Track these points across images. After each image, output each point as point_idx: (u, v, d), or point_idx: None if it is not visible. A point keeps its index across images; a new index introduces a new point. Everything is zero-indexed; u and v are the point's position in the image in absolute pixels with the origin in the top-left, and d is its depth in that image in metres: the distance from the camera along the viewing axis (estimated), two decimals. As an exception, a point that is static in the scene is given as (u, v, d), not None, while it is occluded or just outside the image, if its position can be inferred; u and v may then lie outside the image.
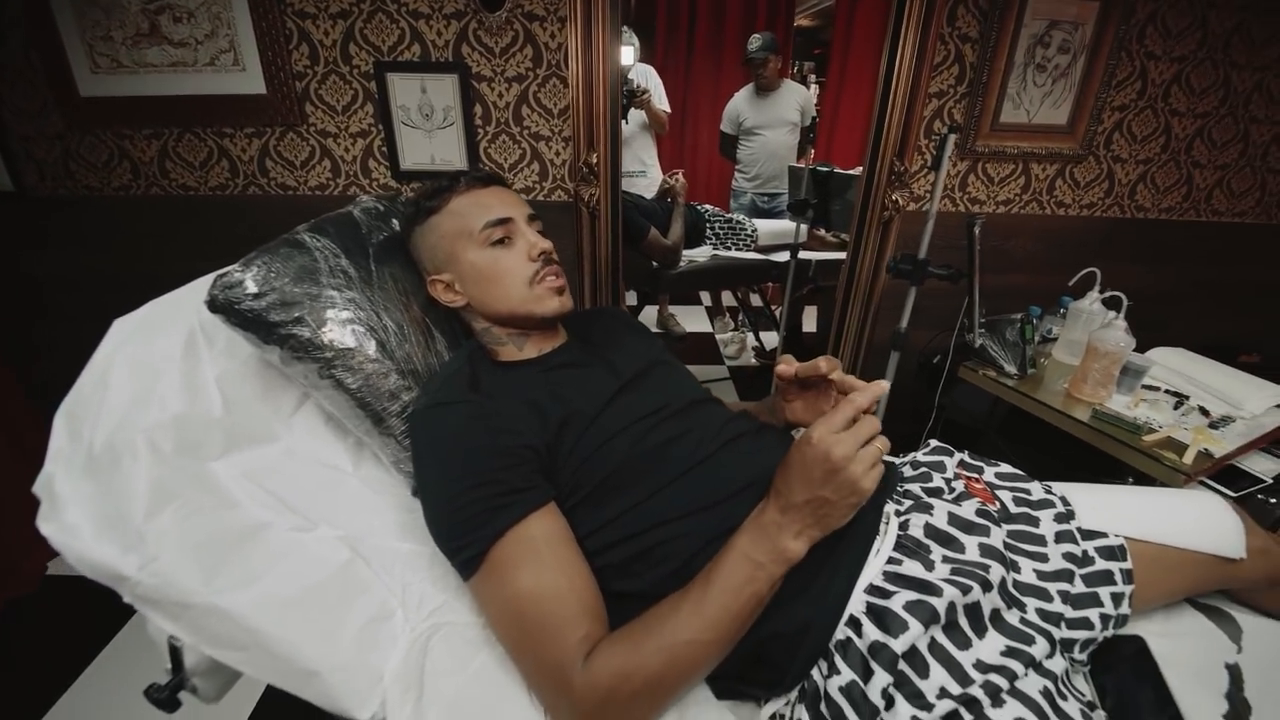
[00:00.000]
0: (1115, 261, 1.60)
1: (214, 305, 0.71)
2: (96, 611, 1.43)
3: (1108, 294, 1.30)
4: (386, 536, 0.73)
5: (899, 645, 0.57)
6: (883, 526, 0.71)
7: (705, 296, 3.84)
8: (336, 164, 1.56)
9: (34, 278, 1.62)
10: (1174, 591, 0.78)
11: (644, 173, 2.92)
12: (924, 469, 0.81)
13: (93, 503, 0.62)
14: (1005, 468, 0.86)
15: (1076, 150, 1.56)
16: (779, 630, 0.63)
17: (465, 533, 0.63)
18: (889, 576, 0.64)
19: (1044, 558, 0.72)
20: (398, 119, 1.50)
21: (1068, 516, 0.77)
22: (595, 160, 1.50)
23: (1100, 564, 0.72)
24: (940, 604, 0.59)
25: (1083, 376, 1.28)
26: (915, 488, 0.78)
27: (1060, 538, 0.74)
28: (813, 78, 4.38)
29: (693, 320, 3.67)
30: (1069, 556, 0.72)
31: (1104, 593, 0.70)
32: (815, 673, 0.62)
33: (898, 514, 0.73)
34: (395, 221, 0.92)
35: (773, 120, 3.11)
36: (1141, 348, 1.38)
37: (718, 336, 3.43)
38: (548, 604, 0.61)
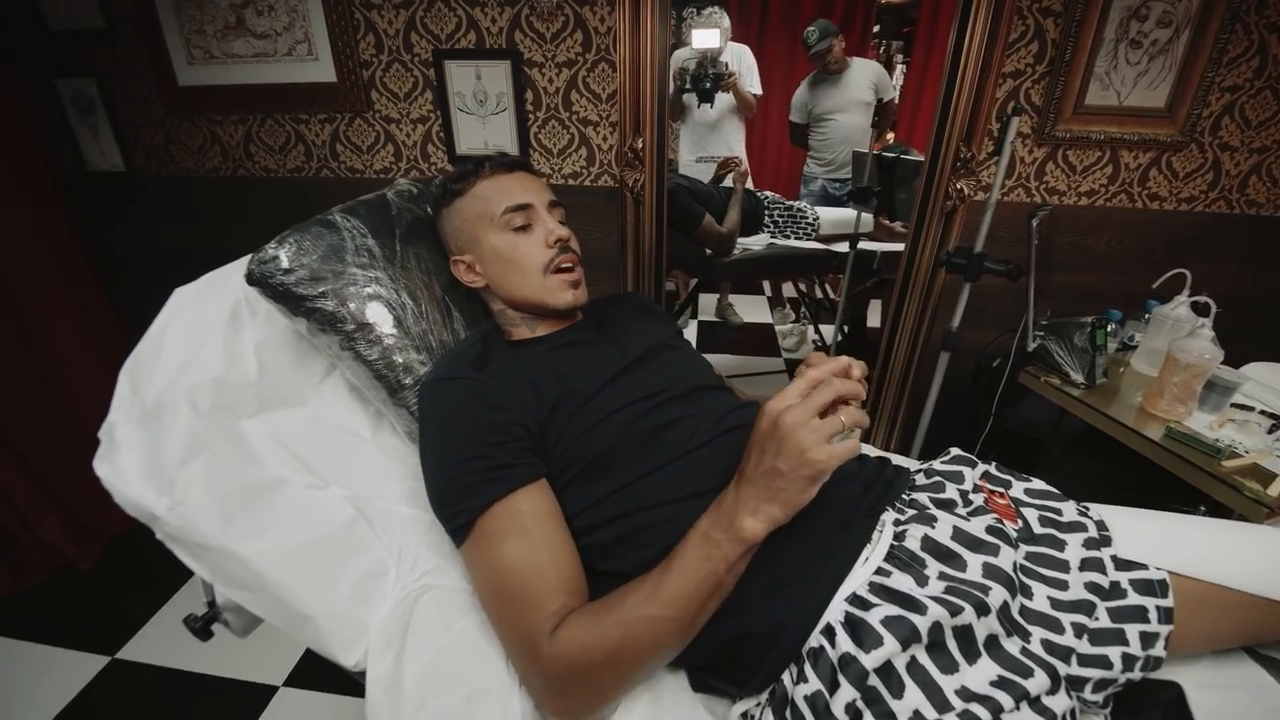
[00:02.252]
0: (1217, 264, 1.43)
1: (250, 279, 0.78)
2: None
3: (1200, 298, 1.15)
4: (392, 500, 0.77)
5: (869, 660, 0.55)
6: (876, 535, 0.68)
7: (767, 286, 3.75)
8: (399, 148, 1.64)
9: (135, 250, 1.83)
10: (1225, 637, 0.70)
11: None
12: (938, 478, 0.77)
13: (140, 450, 0.70)
14: (1037, 484, 0.80)
15: (1176, 137, 1.38)
16: (752, 629, 0.62)
17: (456, 502, 0.67)
18: (874, 588, 0.62)
19: (1063, 585, 0.66)
20: (454, 105, 1.56)
21: (1100, 543, 0.70)
22: (641, 145, 1.50)
23: (1133, 598, 0.65)
24: (922, 622, 0.56)
25: (1159, 390, 1.15)
26: (923, 497, 0.74)
27: (1086, 565, 0.67)
28: (900, 58, 4.13)
29: (753, 310, 3.60)
30: (1092, 587, 0.65)
31: (1132, 630, 0.64)
32: (786, 676, 0.61)
33: (896, 524, 0.69)
34: (428, 205, 0.96)
35: (844, 103, 2.97)
36: (1238, 361, 1.22)
37: (777, 328, 3.35)
38: (527, 576, 0.63)
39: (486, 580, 0.66)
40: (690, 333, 3.29)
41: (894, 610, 0.58)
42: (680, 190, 2.14)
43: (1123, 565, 0.68)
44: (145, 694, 1.32)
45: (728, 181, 2.49)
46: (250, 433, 0.76)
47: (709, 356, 3.00)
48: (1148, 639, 0.63)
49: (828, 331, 3.07)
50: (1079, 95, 1.35)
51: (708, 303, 3.55)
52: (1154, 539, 0.72)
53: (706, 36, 2.50)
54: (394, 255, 0.86)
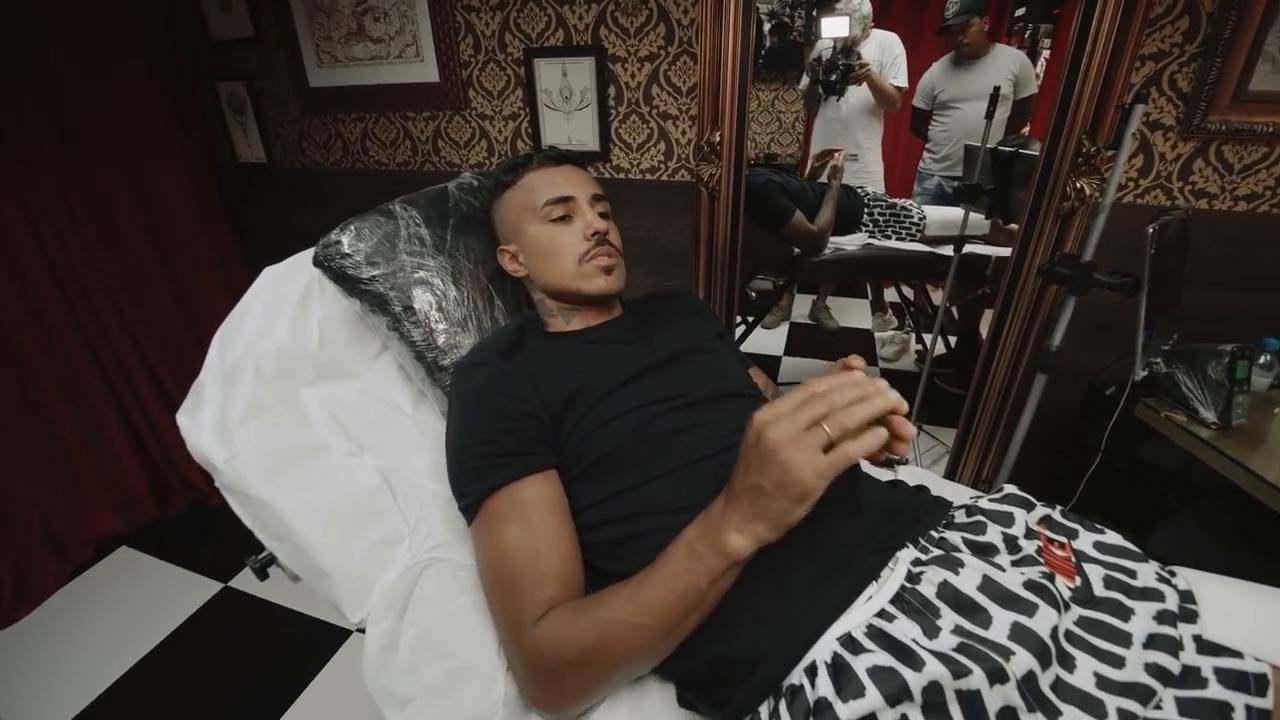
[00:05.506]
0: None
1: (316, 260, 0.86)
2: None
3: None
4: (418, 474, 0.82)
5: (845, 711, 0.50)
6: (886, 572, 0.61)
7: (870, 289, 3.53)
8: (492, 144, 1.73)
9: (271, 228, 2.07)
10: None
11: (856, 157, 2.67)
12: (980, 518, 0.68)
13: (215, 407, 0.80)
14: (1112, 537, 0.68)
15: (1380, 129, 1.12)
16: (734, 653, 0.59)
17: (467, 482, 0.70)
18: (871, 631, 0.56)
19: (1117, 661, 0.56)
20: (541, 102, 1.61)
21: (1180, 617, 0.59)
22: (719, 139, 1.46)
23: (1215, 690, 0.54)
24: (915, 680, 0.50)
25: (1318, 438, 0.95)
26: (956, 537, 0.66)
27: (1154, 643, 0.57)
28: (1047, 42, 3.68)
29: (852, 314, 3.40)
30: (1156, 670, 0.55)
31: None
32: (764, 709, 0.57)
33: (914, 563, 0.62)
34: (485, 197, 1.00)
35: (974, 92, 2.68)
36: None
37: (876, 335, 3.14)
38: (522, 561, 0.64)
39: (486, 561, 0.68)
40: (781, 335, 3.18)
41: (886, 660, 0.53)
42: (770, 186, 2.06)
43: (1208, 649, 0.57)
44: (244, 619, 1.52)
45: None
46: (305, 399, 0.84)
47: (798, 361, 2.93)
48: None
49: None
50: (1240, 80, 1.12)
51: (803, 304, 3.41)
52: (1259, 621, 0.60)
53: (835, 25, 2.33)
54: (444, 244, 0.91)
